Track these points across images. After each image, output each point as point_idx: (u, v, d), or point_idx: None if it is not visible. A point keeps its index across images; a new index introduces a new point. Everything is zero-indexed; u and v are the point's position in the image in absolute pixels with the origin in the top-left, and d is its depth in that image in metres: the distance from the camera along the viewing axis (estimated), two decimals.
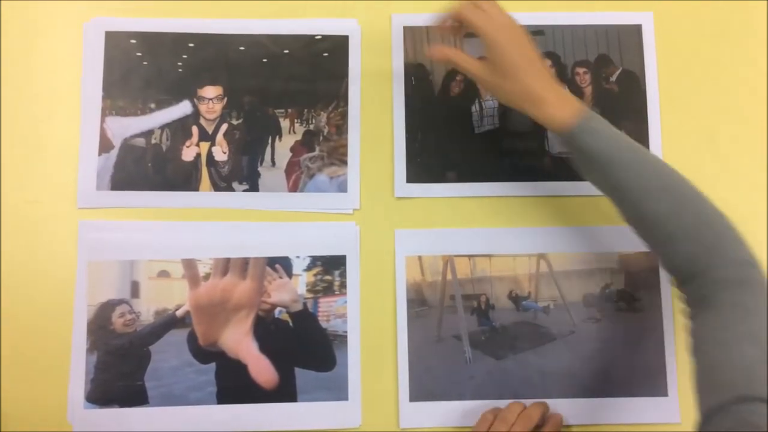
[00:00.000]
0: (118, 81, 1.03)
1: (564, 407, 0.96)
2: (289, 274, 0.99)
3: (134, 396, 0.96)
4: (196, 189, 1.01)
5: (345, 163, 1.02)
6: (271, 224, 1.00)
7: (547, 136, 1.03)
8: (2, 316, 0.98)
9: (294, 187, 1.01)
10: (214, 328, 0.98)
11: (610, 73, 1.04)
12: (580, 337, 0.98)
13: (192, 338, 0.98)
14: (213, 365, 0.97)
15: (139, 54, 1.03)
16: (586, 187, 1.00)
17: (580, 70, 1.04)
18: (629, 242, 0.99)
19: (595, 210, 1.01)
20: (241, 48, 1.04)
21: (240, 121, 1.03)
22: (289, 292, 0.99)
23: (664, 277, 0.99)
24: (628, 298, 0.99)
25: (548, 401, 0.95)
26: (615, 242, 1.00)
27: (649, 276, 0.99)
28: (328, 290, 0.99)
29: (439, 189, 1.01)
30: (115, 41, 1.03)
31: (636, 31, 1.04)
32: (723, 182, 1.01)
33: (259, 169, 1.02)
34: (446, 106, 1.03)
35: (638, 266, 0.99)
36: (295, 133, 1.03)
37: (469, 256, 1.00)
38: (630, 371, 0.97)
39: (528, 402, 0.94)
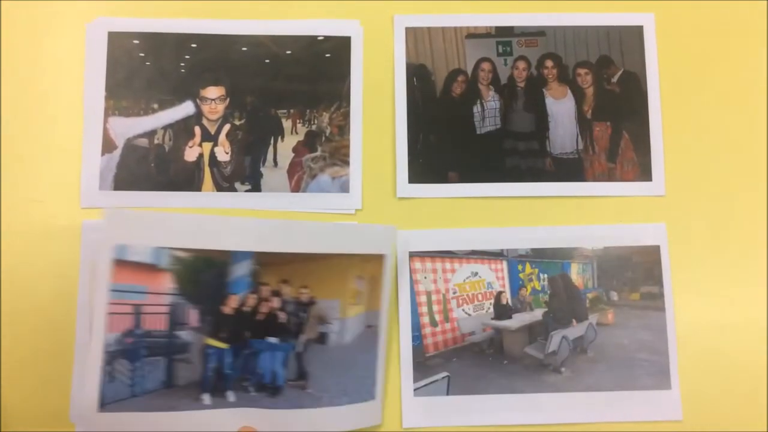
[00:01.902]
0: (121, 81, 1.03)
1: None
2: None
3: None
4: (199, 189, 1.01)
5: (347, 163, 1.02)
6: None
7: (548, 136, 1.03)
8: (5, 316, 0.98)
9: (296, 188, 1.02)
10: None
11: (611, 74, 1.04)
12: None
13: None
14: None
15: (142, 54, 1.04)
16: (587, 188, 1.01)
17: (582, 71, 1.04)
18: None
19: (597, 210, 1.01)
20: (244, 48, 1.04)
21: (242, 121, 1.03)
22: None
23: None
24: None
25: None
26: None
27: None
28: None
29: (440, 189, 1.02)
30: (117, 42, 1.03)
31: (637, 32, 1.05)
32: (724, 183, 1.02)
33: (262, 169, 1.02)
34: (448, 106, 1.04)
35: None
36: (297, 133, 1.03)
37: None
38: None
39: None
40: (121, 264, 0.88)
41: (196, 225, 0.91)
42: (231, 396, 0.92)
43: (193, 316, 0.91)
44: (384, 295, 0.97)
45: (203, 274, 0.91)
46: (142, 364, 0.89)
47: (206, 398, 0.91)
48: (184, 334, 0.91)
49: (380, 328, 0.97)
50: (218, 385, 0.91)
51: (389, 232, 0.98)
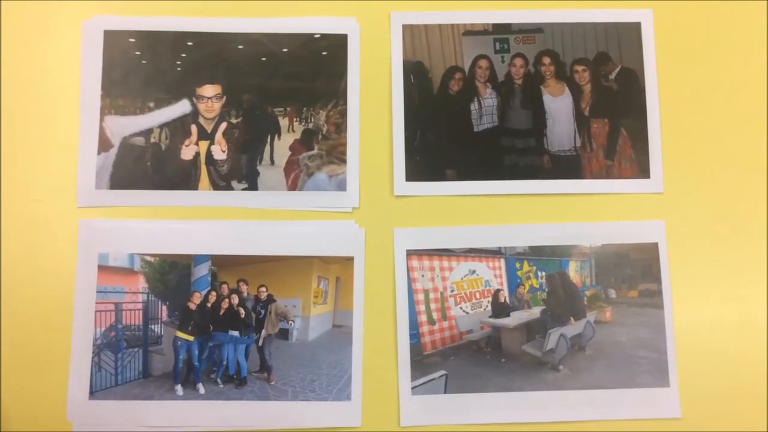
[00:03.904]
0: (117, 80, 1.03)
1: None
2: None
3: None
4: (195, 188, 1.01)
5: (344, 161, 1.02)
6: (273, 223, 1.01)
7: (546, 133, 1.03)
8: (2, 315, 0.98)
9: (293, 186, 1.01)
10: None
11: (609, 71, 1.04)
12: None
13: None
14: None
15: (138, 53, 1.03)
16: (585, 186, 1.01)
17: (579, 68, 1.04)
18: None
19: (595, 207, 1.01)
20: (240, 47, 1.04)
21: (239, 119, 1.03)
22: None
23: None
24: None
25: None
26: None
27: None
28: None
29: (438, 187, 1.01)
30: (113, 40, 1.03)
31: (635, 28, 1.04)
32: (723, 180, 1.01)
33: (258, 167, 1.02)
34: (445, 104, 1.03)
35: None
36: (294, 131, 1.03)
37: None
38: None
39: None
40: (104, 269, 0.99)
41: (159, 232, 1.00)
42: (201, 389, 0.97)
43: (163, 311, 1.00)
44: (356, 295, 0.98)
45: (169, 275, 0.99)
46: (123, 355, 0.99)
47: (179, 389, 0.97)
48: (157, 328, 1.00)
49: (354, 329, 0.98)
50: (189, 377, 0.98)
51: (355, 234, 0.99)
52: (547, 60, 1.04)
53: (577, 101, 1.03)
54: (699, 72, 1.04)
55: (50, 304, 0.98)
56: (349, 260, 0.99)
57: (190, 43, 1.04)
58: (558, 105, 1.03)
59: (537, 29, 1.04)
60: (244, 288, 1.00)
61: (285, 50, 1.04)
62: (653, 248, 1.00)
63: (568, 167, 1.02)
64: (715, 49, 1.04)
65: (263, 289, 0.99)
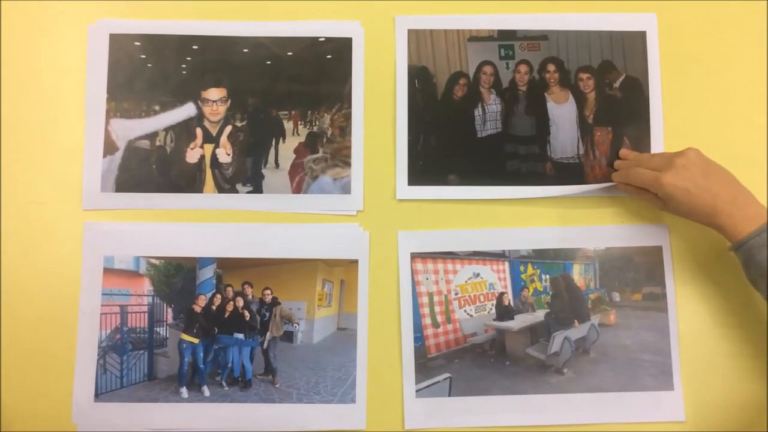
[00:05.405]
0: (123, 83, 1.03)
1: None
2: None
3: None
4: (200, 191, 1.01)
5: (348, 164, 1.02)
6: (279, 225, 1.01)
7: (549, 140, 1.03)
8: (6, 317, 0.97)
9: (298, 189, 1.02)
10: None
11: (613, 79, 1.04)
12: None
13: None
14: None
15: (144, 56, 1.04)
16: (588, 191, 1.01)
17: (584, 76, 1.04)
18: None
19: (599, 210, 1.02)
20: (245, 50, 1.04)
21: (244, 123, 1.03)
22: None
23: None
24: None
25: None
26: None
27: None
28: None
29: (440, 192, 1.02)
30: (119, 43, 1.03)
31: (640, 37, 1.05)
32: None
33: (263, 170, 1.02)
34: (449, 109, 1.04)
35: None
36: (298, 134, 1.03)
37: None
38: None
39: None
40: (109, 271, 1.00)
41: (164, 235, 1.00)
42: (206, 391, 0.98)
43: (168, 314, 1.00)
44: (361, 298, 0.99)
45: (174, 277, 1.00)
46: (128, 358, 0.99)
47: (184, 392, 0.98)
48: (162, 330, 1.00)
49: (358, 332, 0.98)
50: (194, 379, 0.98)
51: (359, 237, 1.00)
52: (551, 67, 1.04)
53: (581, 109, 1.04)
54: (703, 81, 1.05)
55: (55, 307, 0.98)
56: (354, 263, 1.00)
57: (195, 47, 1.04)
58: (562, 112, 1.04)
59: (542, 36, 1.05)
60: (248, 291, 1.00)
61: (290, 54, 1.04)
62: (657, 251, 1.00)
63: (570, 174, 1.03)
64: (719, 59, 1.05)
65: (268, 291, 1.00)
